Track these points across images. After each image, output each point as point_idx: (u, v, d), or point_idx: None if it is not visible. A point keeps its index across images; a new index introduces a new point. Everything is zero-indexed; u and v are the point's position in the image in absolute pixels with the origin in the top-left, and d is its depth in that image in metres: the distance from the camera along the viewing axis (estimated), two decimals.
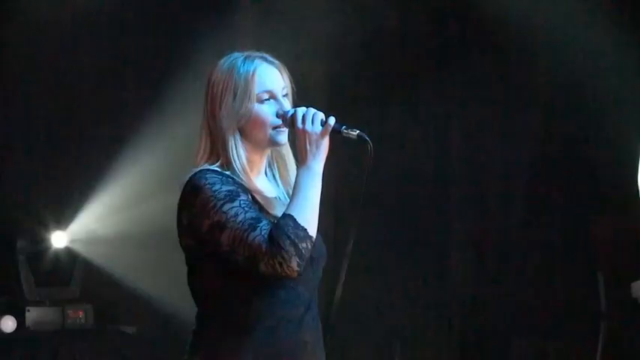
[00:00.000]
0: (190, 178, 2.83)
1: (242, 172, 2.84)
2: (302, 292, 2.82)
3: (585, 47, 6.69)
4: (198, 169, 2.85)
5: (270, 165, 2.99)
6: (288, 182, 2.98)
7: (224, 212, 2.74)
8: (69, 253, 6.37)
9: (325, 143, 2.84)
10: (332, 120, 2.84)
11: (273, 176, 3.00)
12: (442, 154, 7.12)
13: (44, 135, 6.63)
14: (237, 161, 2.85)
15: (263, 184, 2.93)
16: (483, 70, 7.02)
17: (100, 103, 6.74)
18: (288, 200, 2.88)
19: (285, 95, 2.91)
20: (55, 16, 6.52)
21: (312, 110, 2.85)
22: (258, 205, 2.82)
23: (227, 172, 2.84)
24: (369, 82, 7.03)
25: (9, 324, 6.05)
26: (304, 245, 2.73)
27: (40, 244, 6.32)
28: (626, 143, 6.25)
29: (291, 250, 2.70)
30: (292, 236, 2.71)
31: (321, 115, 2.85)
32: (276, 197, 2.94)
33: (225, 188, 2.77)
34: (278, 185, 2.98)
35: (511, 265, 7.02)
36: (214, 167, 2.85)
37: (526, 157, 7.03)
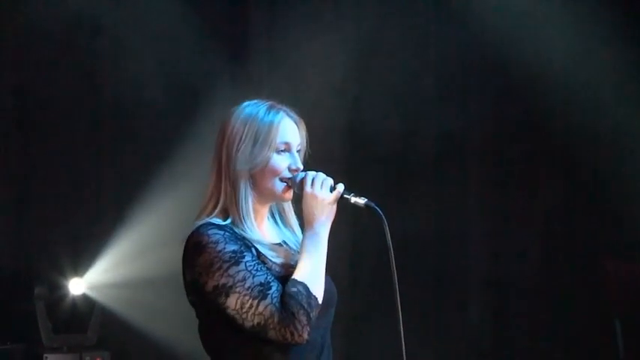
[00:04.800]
0: (192, 234, 2.81)
1: (247, 219, 2.83)
2: (314, 338, 2.80)
3: (602, 91, 6.71)
4: (199, 223, 2.83)
5: (272, 214, 2.99)
6: (293, 230, 2.98)
7: (230, 276, 2.73)
8: (86, 300, 6.37)
9: (333, 209, 2.85)
10: (341, 187, 2.86)
11: (276, 222, 2.99)
12: (461, 201, 7.12)
13: (61, 183, 6.66)
14: (244, 207, 2.84)
15: (267, 230, 2.94)
16: (498, 116, 7.04)
17: (115, 151, 6.77)
18: (294, 245, 2.91)
19: (299, 151, 2.92)
20: (66, 66, 6.59)
21: (322, 175, 2.87)
22: (262, 257, 2.81)
23: (228, 224, 2.83)
24: (383, 134, 7.02)
25: None
26: (314, 314, 2.74)
27: (57, 291, 6.33)
28: None
29: (304, 319, 2.71)
30: (305, 306, 2.72)
31: (330, 181, 2.86)
32: (280, 243, 2.94)
33: (229, 248, 2.75)
34: (282, 230, 2.98)
35: (528, 311, 7.00)
36: (215, 220, 2.83)
37: (541, 200, 7.03)
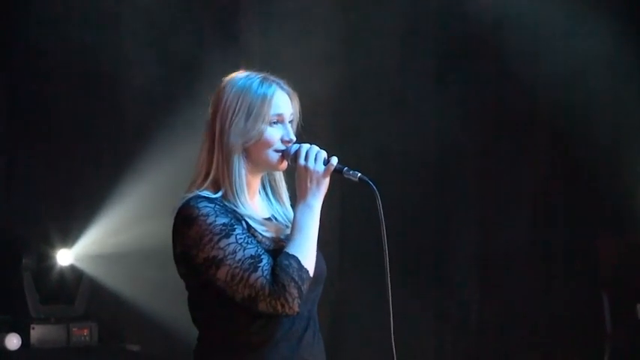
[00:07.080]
0: (182, 207, 2.81)
1: (241, 193, 2.83)
2: (302, 311, 2.80)
3: (593, 71, 6.70)
4: (189, 195, 2.82)
5: (263, 186, 2.99)
6: (282, 202, 2.99)
7: (221, 248, 2.73)
8: (74, 271, 6.35)
9: (326, 182, 2.85)
10: (334, 160, 2.86)
11: (267, 195, 2.99)
12: (447, 173, 7.13)
13: (50, 155, 6.64)
14: (237, 181, 2.84)
15: (257, 204, 2.93)
16: (489, 93, 7.04)
17: (105, 124, 6.76)
18: (283, 220, 2.91)
19: (291, 122, 2.92)
20: (62, 45, 6.56)
21: (316, 148, 2.87)
22: (252, 231, 2.81)
23: (218, 197, 2.82)
24: (372, 107, 7.01)
25: (13, 342, 6.04)
26: (305, 287, 2.75)
27: (45, 262, 6.31)
28: (632, 164, 6.26)
29: (295, 292, 2.72)
30: (297, 278, 2.72)
31: (324, 154, 2.86)
32: (270, 217, 2.94)
33: (219, 221, 2.76)
34: (272, 204, 2.98)
35: (516, 284, 7.02)
36: (205, 193, 2.83)
37: (531, 177, 7.04)
